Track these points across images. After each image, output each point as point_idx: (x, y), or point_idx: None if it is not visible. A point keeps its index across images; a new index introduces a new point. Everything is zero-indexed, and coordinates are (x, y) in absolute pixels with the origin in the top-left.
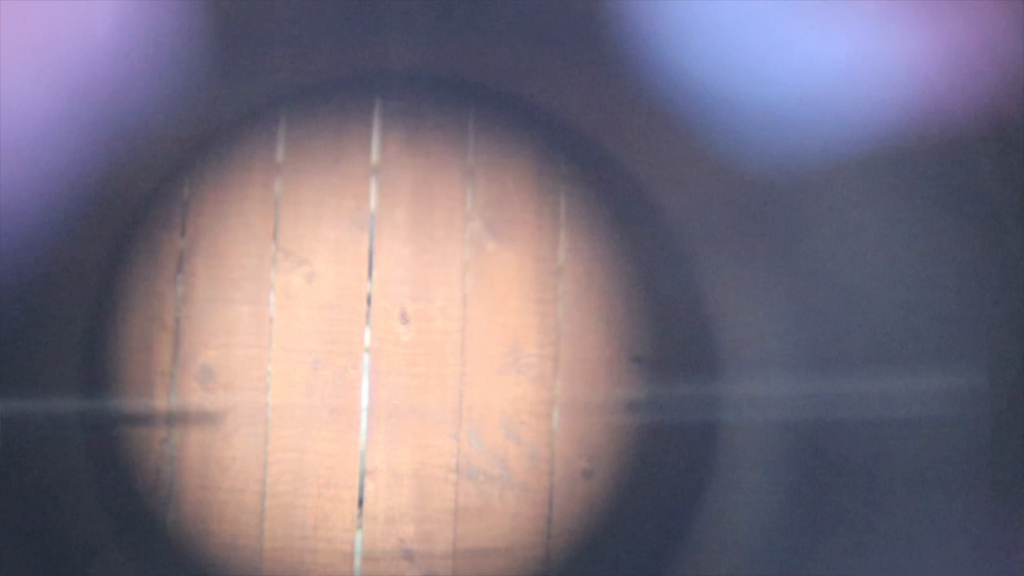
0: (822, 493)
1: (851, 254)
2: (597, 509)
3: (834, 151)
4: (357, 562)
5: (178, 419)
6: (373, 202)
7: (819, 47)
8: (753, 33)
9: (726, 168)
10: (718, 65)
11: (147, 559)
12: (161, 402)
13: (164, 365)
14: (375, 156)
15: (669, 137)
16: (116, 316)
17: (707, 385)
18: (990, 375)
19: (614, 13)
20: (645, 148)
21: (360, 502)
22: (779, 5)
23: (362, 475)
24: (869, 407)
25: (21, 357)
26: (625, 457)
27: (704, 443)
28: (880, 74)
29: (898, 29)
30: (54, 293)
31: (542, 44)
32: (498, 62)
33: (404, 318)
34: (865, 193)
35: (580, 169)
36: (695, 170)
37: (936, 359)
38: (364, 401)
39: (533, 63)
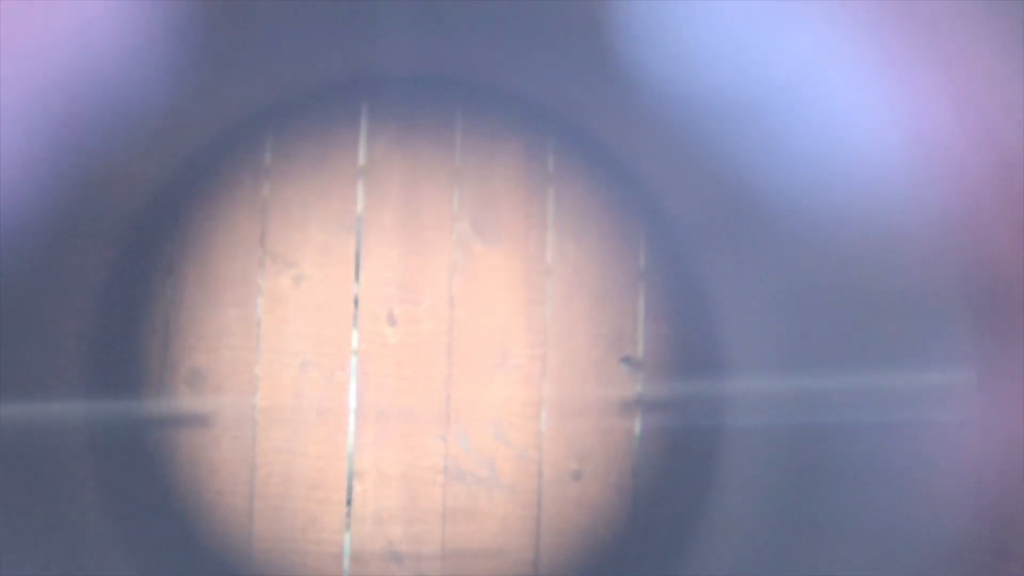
0: (816, 496)
1: (847, 254)
2: (586, 510)
3: (832, 151)
4: (346, 563)
5: (167, 421)
6: (360, 204)
7: (817, 45)
8: (747, 31)
9: (718, 167)
10: (711, 63)
11: (136, 560)
12: (150, 405)
13: (153, 368)
14: (362, 158)
15: (660, 136)
16: (105, 320)
17: (698, 386)
18: (988, 377)
19: (603, 12)
20: (636, 147)
21: (348, 504)
22: (775, 5)
23: (350, 477)
24: (863, 409)
25: (10, 361)
26: (614, 458)
27: (695, 444)
28: (880, 75)
29: (896, 34)
30: (43, 297)
31: (529, 44)
32: (485, 62)
33: (392, 320)
34: (864, 193)
35: (568, 169)
36: (686, 169)
37: (935, 361)
38: (352, 403)
39: (520, 63)
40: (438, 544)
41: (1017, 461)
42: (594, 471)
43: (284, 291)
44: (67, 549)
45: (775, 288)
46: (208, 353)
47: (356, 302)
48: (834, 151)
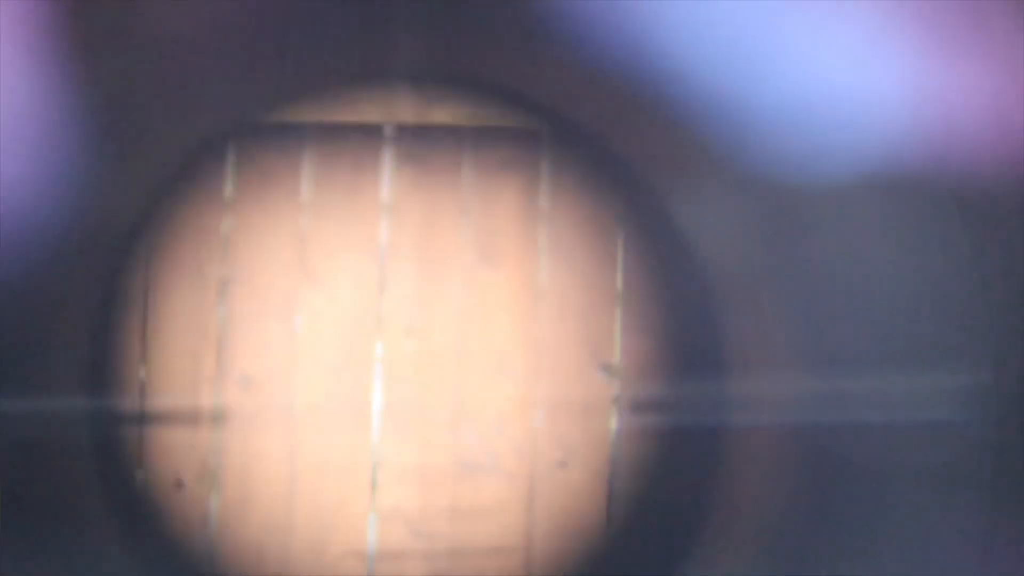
0: (825, 496)
1: (856, 256)
2: (571, 495)
3: (841, 154)
4: (370, 561)
5: (220, 419)
6: (384, 236)
7: (829, 50)
8: (761, 35)
9: (731, 171)
10: (724, 68)
11: (167, 557)
12: (206, 404)
13: (209, 372)
14: (386, 196)
15: (674, 139)
16: (168, 332)
17: (709, 386)
18: (995, 377)
19: (611, 26)
20: (647, 148)
21: (373, 499)
22: (790, 7)
23: (375, 472)
24: (873, 410)
25: (87, 364)
26: (594, 450)
27: (708, 445)
28: (890, 79)
29: (909, 34)
30: (115, 312)
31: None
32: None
33: (410, 333)
34: (871, 195)
35: (560, 203)
36: (701, 171)
37: (941, 361)
38: (376, 405)
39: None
40: (456, 540)
41: None
42: (577, 461)
43: (319, 308)
44: (94, 548)
45: (791, 288)
46: (255, 360)
47: (380, 318)
48: (851, 150)
